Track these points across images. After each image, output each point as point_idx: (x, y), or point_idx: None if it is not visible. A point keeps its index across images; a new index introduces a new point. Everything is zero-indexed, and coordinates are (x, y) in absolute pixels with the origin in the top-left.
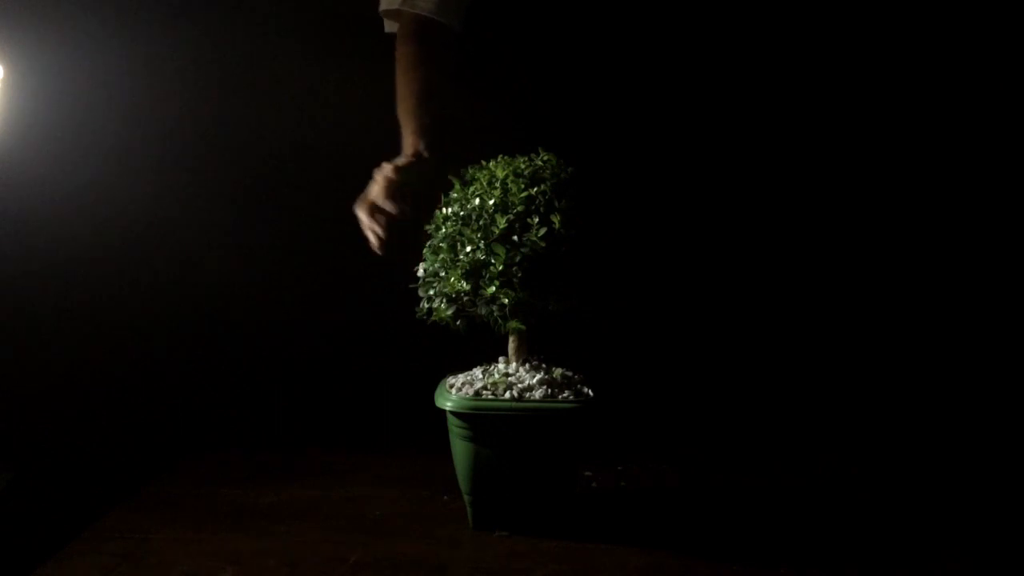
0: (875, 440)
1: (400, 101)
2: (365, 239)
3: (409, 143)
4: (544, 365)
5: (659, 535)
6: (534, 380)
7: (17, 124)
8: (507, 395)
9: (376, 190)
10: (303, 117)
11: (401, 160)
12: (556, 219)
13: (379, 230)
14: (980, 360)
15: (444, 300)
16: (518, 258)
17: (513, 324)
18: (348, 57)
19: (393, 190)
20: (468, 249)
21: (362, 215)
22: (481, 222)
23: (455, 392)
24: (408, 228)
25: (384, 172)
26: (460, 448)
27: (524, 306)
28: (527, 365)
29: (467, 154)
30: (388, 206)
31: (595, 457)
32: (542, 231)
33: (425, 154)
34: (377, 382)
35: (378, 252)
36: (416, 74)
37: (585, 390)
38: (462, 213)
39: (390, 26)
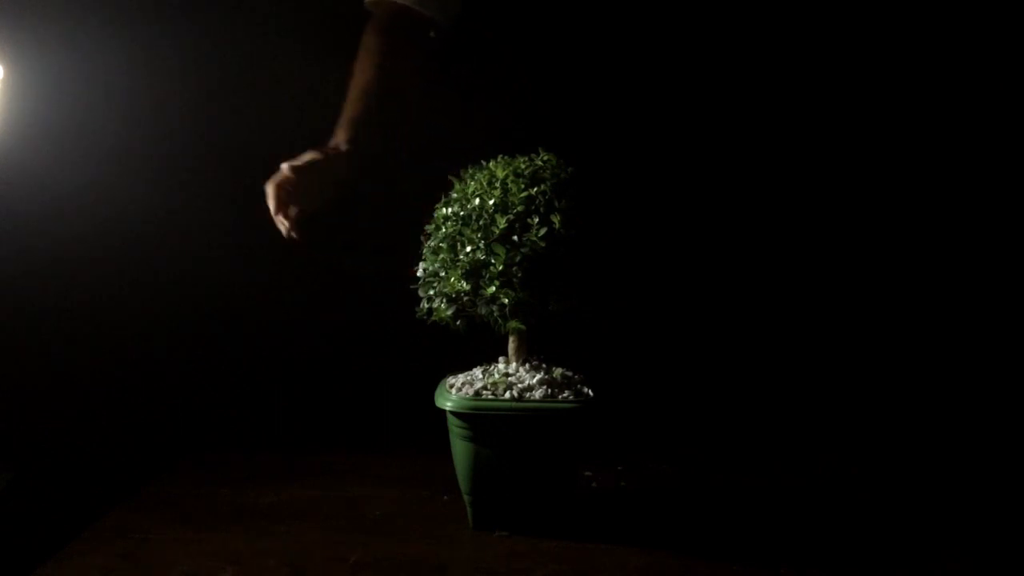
0: (875, 440)
1: (353, 87)
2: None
3: (335, 133)
4: (544, 365)
5: (659, 535)
6: (534, 380)
7: (17, 124)
8: (507, 395)
9: (269, 200)
10: (303, 117)
11: (300, 160)
12: (556, 219)
13: (284, 226)
14: (980, 360)
15: (444, 300)
16: (518, 258)
17: (513, 324)
18: (348, 57)
19: (282, 195)
20: (468, 249)
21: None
22: (481, 222)
23: (455, 392)
24: (322, 218)
25: (275, 179)
26: (460, 448)
27: (524, 306)
28: (527, 365)
29: (467, 154)
30: (278, 218)
31: (595, 457)
32: (542, 231)
33: (343, 147)
34: (377, 382)
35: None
36: (368, 64)
37: (585, 390)
38: (462, 213)
39: None
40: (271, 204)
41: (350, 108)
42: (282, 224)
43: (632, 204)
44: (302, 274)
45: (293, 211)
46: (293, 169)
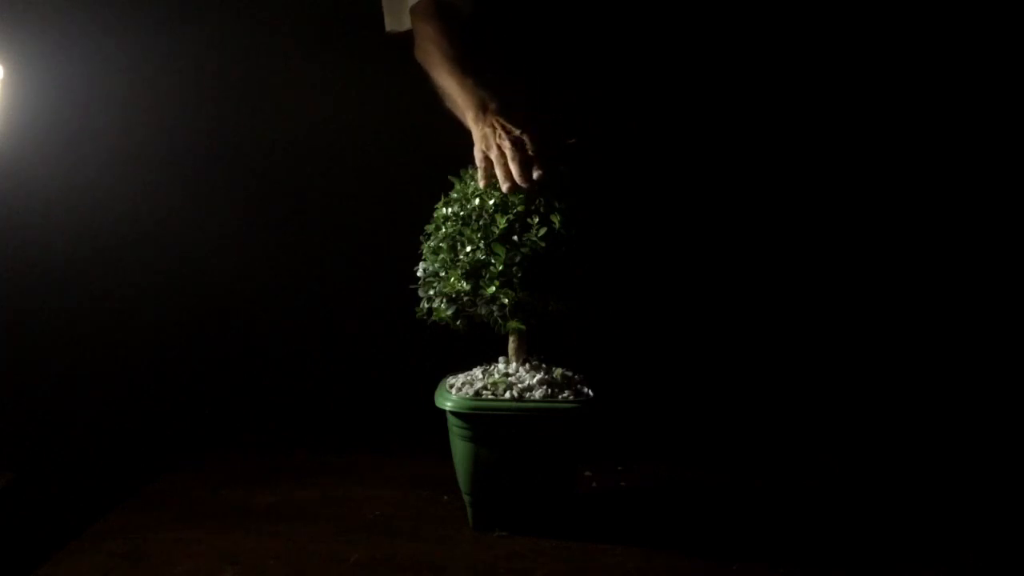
0: (875, 440)
1: (443, 73)
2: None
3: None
4: (544, 365)
5: (659, 535)
6: (534, 380)
7: (17, 124)
8: (507, 395)
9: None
10: (303, 117)
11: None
12: (556, 219)
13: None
14: (980, 360)
15: (444, 300)
16: (518, 258)
17: (513, 324)
18: (349, 58)
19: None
20: (468, 249)
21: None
22: (481, 222)
23: (455, 392)
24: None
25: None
26: (460, 448)
27: (524, 306)
28: (527, 365)
29: (467, 154)
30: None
31: (595, 457)
32: (542, 231)
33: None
34: (377, 382)
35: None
36: (446, 43)
37: (585, 390)
38: (462, 213)
39: (391, 23)
40: (530, 146)
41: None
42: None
43: (632, 204)
44: (302, 274)
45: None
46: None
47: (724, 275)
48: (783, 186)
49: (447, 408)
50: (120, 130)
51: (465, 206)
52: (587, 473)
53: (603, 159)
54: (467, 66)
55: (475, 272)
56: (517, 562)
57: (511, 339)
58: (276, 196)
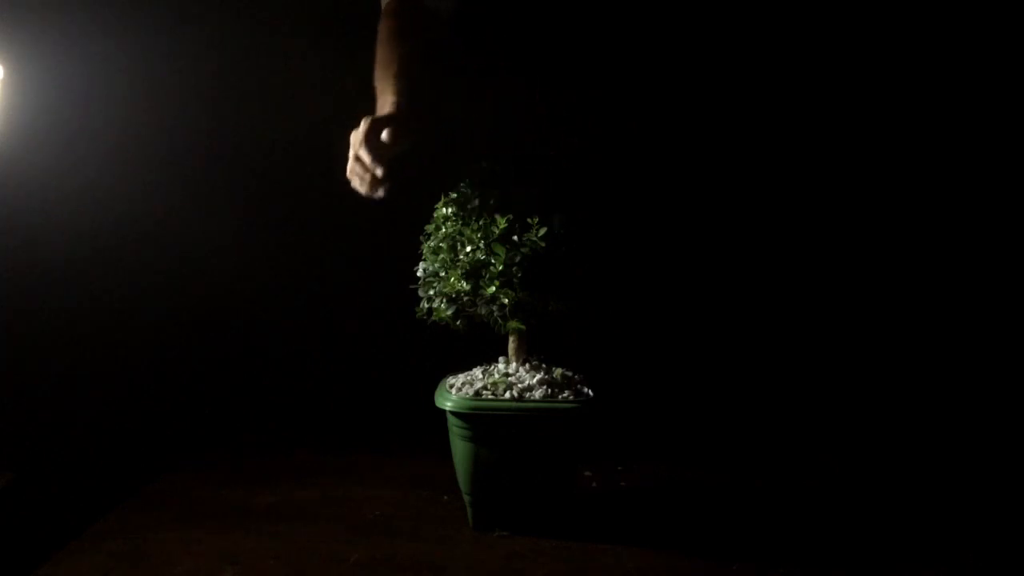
0: (874, 440)
1: (380, 69)
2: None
3: (388, 102)
4: (544, 365)
5: (659, 535)
6: (534, 380)
7: (17, 124)
8: (507, 395)
9: (360, 151)
10: (303, 117)
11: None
12: (556, 219)
13: (362, 178)
14: (980, 360)
15: (444, 300)
16: (518, 258)
17: (513, 324)
18: (349, 58)
19: (372, 141)
20: (468, 249)
21: (351, 162)
22: (481, 222)
23: (455, 392)
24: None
25: (362, 130)
26: (460, 448)
27: (524, 306)
28: (527, 365)
29: (466, 154)
30: (364, 155)
31: (595, 457)
32: (542, 231)
33: (401, 110)
34: (377, 382)
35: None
36: (394, 45)
37: (585, 390)
38: (462, 213)
39: None
40: (364, 154)
41: (399, 80)
42: (368, 174)
43: (632, 205)
44: (302, 275)
45: (383, 155)
46: (375, 120)
47: (724, 275)
48: (783, 187)
49: (447, 408)
50: (120, 130)
51: (465, 206)
52: (587, 473)
53: (603, 159)
54: (409, 77)
55: (475, 272)
56: (517, 562)
57: (511, 339)
58: (276, 196)
